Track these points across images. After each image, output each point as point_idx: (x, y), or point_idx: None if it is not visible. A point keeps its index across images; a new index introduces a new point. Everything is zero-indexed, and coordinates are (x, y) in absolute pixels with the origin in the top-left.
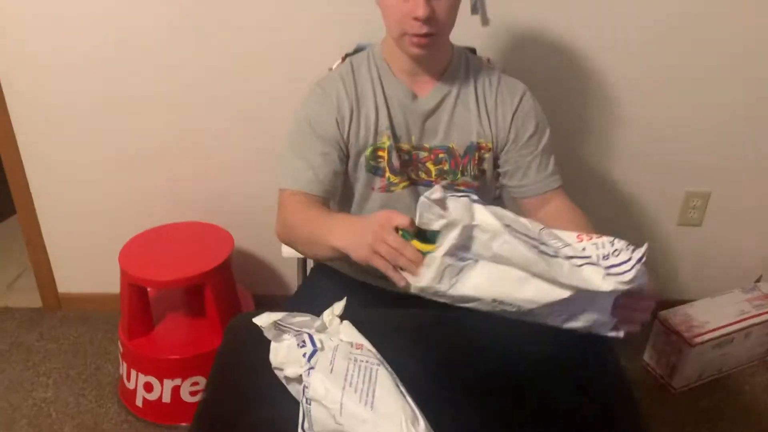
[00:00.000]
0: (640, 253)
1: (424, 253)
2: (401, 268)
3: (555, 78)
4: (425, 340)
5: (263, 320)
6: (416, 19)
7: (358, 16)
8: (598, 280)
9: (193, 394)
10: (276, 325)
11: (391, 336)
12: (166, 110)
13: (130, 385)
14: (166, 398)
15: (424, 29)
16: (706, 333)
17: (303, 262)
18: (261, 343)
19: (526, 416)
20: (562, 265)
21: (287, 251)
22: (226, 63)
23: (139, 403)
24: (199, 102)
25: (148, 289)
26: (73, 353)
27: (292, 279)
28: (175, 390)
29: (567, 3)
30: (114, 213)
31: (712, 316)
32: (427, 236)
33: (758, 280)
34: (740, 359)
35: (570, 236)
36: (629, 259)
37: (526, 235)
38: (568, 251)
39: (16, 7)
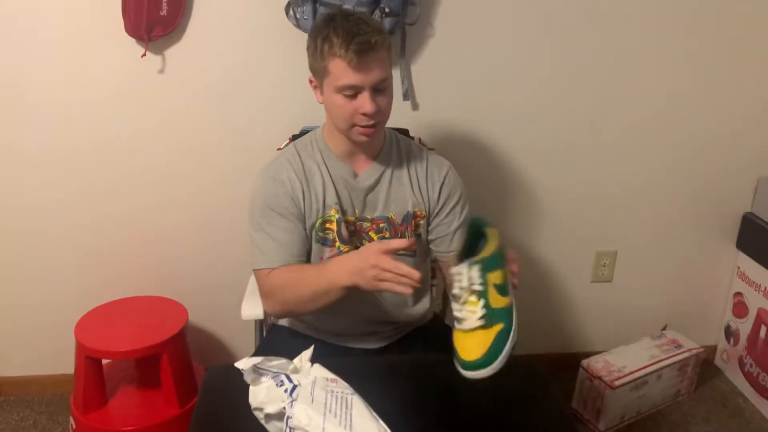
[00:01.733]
0: None
1: None
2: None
3: (476, 153)
4: (387, 383)
5: (243, 364)
6: (364, 114)
7: (301, 102)
8: None
9: None
10: (255, 368)
11: (356, 381)
12: (117, 187)
13: None
14: None
15: (372, 121)
16: (624, 376)
17: (260, 324)
18: (235, 392)
19: None
20: None
21: (246, 313)
22: (180, 142)
23: None
24: (154, 181)
25: (103, 362)
26: None
27: (245, 349)
28: None
29: (483, 89)
30: (57, 293)
31: (628, 361)
32: None
33: (664, 328)
34: (655, 401)
35: None
36: None
37: None
38: None
39: None
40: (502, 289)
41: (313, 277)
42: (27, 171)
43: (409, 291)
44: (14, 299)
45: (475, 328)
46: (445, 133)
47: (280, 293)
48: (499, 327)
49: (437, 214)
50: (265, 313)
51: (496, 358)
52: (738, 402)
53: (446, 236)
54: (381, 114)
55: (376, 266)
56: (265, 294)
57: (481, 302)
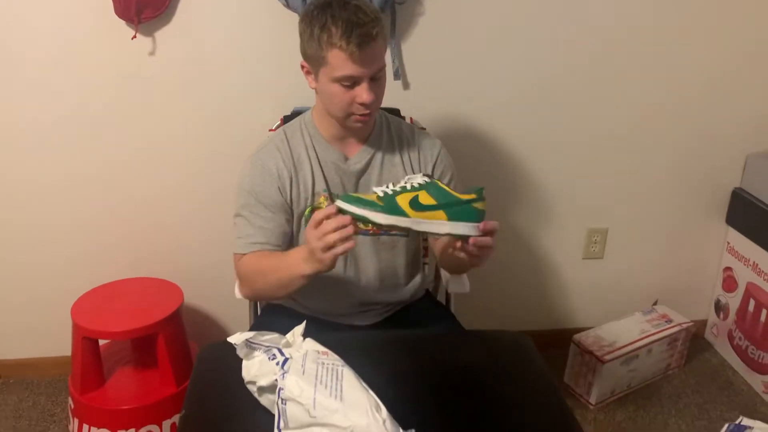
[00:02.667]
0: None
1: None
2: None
3: (467, 133)
4: (379, 357)
5: (236, 338)
6: (362, 104)
7: (292, 82)
8: None
9: None
10: (247, 343)
11: (347, 355)
12: (111, 170)
13: None
14: None
15: (368, 110)
16: (615, 351)
17: (254, 303)
18: (228, 368)
19: (474, 415)
20: None
21: (240, 292)
22: (172, 124)
23: None
24: (146, 164)
25: (99, 344)
26: (16, 418)
27: (239, 328)
28: None
29: (475, 69)
30: (56, 275)
31: (618, 336)
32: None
33: (655, 304)
34: (646, 375)
35: None
36: None
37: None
38: None
39: None
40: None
41: (275, 268)
42: (19, 155)
43: (352, 243)
44: (11, 283)
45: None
46: (437, 112)
47: (250, 280)
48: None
49: None
50: None
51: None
52: (727, 375)
53: None
54: (377, 102)
55: (315, 237)
56: (238, 278)
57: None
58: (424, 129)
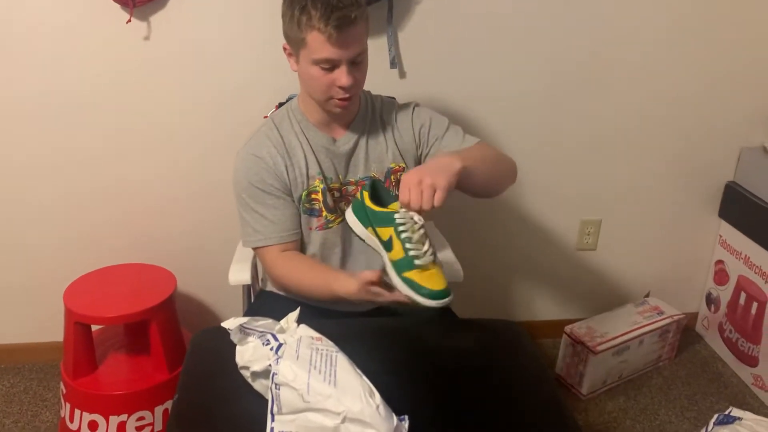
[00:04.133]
0: None
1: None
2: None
3: (463, 122)
4: (372, 344)
5: (230, 323)
6: (341, 87)
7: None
8: None
9: (139, 429)
10: (241, 328)
11: (341, 342)
12: (106, 154)
13: (73, 426)
14: None
15: (348, 94)
16: (606, 341)
17: (248, 289)
18: (222, 353)
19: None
20: None
21: (234, 279)
22: (167, 110)
23: None
24: (141, 149)
25: (92, 329)
26: (7, 402)
27: (233, 315)
28: (121, 426)
29: (471, 58)
30: (46, 261)
31: (610, 327)
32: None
33: (647, 296)
34: (637, 366)
35: None
36: None
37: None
38: None
39: None
40: None
41: (316, 280)
42: (12, 140)
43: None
44: (3, 268)
45: (431, 263)
46: (433, 101)
47: (282, 279)
48: (439, 266)
49: (420, 145)
50: (253, 279)
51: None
52: (717, 367)
53: (435, 146)
54: (357, 86)
55: (368, 294)
56: (268, 270)
57: (428, 241)
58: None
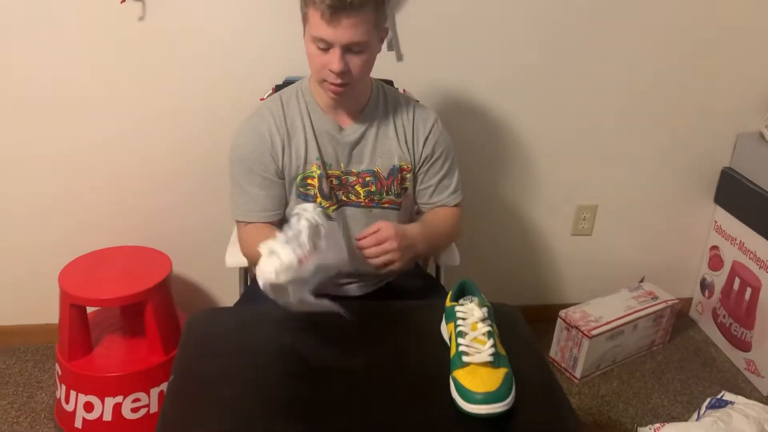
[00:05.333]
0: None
1: None
2: None
3: (460, 105)
4: (368, 326)
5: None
6: (332, 71)
7: (285, 51)
8: None
9: (134, 410)
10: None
11: (338, 323)
12: (101, 138)
13: (69, 407)
14: (107, 416)
15: (339, 80)
16: (600, 326)
17: (245, 272)
18: (217, 335)
19: None
20: None
21: (231, 261)
22: (161, 92)
23: (78, 424)
24: (137, 131)
25: (87, 312)
26: (2, 384)
27: (228, 297)
28: (117, 408)
29: (469, 42)
30: (42, 243)
31: (604, 311)
32: None
33: (641, 281)
34: (630, 350)
35: None
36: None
37: None
38: None
39: None
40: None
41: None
42: (4, 124)
43: None
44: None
45: (484, 364)
46: (430, 84)
47: (249, 246)
48: (505, 370)
49: (421, 165)
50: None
51: (509, 393)
52: (710, 351)
53: (429, 188)
54: (350, 76)
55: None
56: (240, 246)
57: (491, 340)
58: (418, 102)
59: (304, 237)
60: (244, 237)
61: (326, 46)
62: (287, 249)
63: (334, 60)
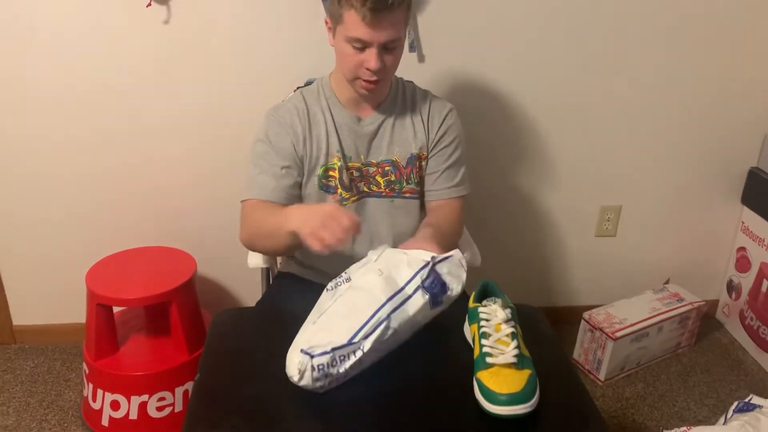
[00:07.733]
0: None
1: None
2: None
3: (483, 109)
4: None
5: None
6: (369, 69)
7: (307, 54)
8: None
9: (159, 409)
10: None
11: None
12: (130, 137)
13: (96, 406)
14: (133, 415)
15: (375, 77)
16: (625, 328)
17: (267, 272)
18: (241, 334)
19: None
20: None
21: (253, 261)
22: (185, 94)
23: (105, 422)
24: (162, 134)
25: (114, 311)
26: (31, 382)
27: (251, 297)
28: (142, 406)
29: (489, 47)
30: (69, 244)
31: (629, 313)
32: None
33: (666, 282)
34: (655, 352)
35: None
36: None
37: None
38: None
39: None
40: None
41: (272, 214)
42: (37, 119)
43: (341, 244)
44: (28, 250)
45: (508, 365)
46: (452, 85)
47: (246, 222)
48: (529, 371)
49: (433, 148)
50: (271, 262)
51: (533, 395)
52: (738, 354)
53: (433, 174)
54: (386, 71)
55: (330, 215)
56: (240, 222)
57: (515, 341)
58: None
59: (339, 369)
60: (246, 207)
61: (363, 46)
62: (309, 376)
63: (371, 58)
